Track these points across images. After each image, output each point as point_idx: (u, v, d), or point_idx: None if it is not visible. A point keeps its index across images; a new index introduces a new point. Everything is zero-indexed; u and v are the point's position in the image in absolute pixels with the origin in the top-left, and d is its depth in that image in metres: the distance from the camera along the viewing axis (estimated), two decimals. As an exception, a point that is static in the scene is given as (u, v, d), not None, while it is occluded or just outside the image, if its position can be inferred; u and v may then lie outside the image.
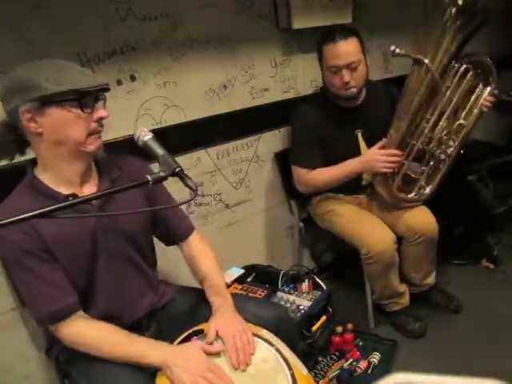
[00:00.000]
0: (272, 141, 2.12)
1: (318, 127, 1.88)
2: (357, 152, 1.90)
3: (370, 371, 1.77)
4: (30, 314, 1.11)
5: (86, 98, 1.03)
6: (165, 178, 0.99)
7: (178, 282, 1.47)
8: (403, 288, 1.97)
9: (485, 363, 1.70)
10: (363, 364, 1.78)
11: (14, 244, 1.04)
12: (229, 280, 1.92)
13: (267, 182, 2.21)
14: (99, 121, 1.08)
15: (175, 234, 1.35)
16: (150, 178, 0.96)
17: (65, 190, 1.10)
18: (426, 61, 1.60)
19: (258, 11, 1.96)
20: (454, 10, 1.53)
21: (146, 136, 1.06)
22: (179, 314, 1.32)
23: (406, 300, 1.99)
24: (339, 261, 2.54)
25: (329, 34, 1.78)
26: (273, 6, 2.00)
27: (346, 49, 1.74)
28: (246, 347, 1.11)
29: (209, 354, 1.10)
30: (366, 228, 1.83)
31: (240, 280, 1.95)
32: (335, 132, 1.89)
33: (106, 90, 1.09)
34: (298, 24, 1.99)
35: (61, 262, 1.09)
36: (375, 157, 1.77)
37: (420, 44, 1.66)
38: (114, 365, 1.07)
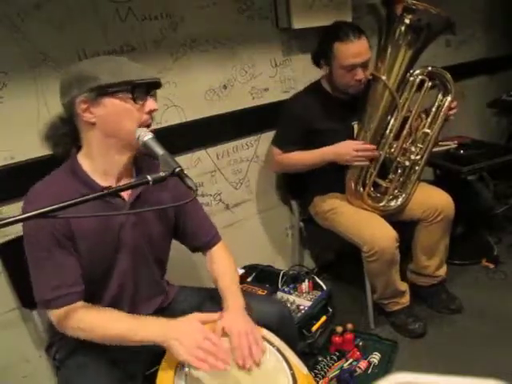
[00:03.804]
0: (272, 141, 2.12)
1: (309, 118, 1.90)
2: None
3: (370, 371, 1.77)
4: (34, 294, 1.11)
5: (138, 90, 1.07)
6: (165, 178, 0.99)
7: (180, 283, 1.47)
8: (404, 287, 1.98)
9: (485, 363, 1.70)
10: (363, 364, 1.78)
11: (40, 224, 1.05)
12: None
13: (267, 181, 2.21)
14: (150, 113, 1.11)
15: (198, 243, 1.36)
16: (150, 178, 0.97)
17: (102, 181, 1.13)
18: (383, 77, 1.73)
19: (258, 11, 1.96)
20: (403, 28, 1.67)
21: (145, 136, 1.06)
22: (180, 315, 1.32)
23: (406, 300, 1.99)
24: (339, 261, 2.54)
25: (341, 31, 1.78)
26: (273, 6, 2.00)
27: (362, 48, 1.77)
28: (252, 346, 1.11)
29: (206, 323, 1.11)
30: (367, 225, 1.84)
31: (240, 280, 1.94)
32: (332, 123, 1.90)
33: (158, 84, 1.13)
34: (298, 24, 1.99)
35: (81, 250, 1.11)
36: (349, 148, 1.79)
37: (378, 60, 1.77)
38: (100, 378, 1.08)
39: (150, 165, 1.23)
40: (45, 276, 1.09)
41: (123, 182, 1.18)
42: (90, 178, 1.13)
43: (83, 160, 1.14)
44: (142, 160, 1.23)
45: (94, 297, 1.15)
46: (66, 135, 1.13)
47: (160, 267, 1.33)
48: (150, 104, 1.10)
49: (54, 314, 1.10)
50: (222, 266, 1.34)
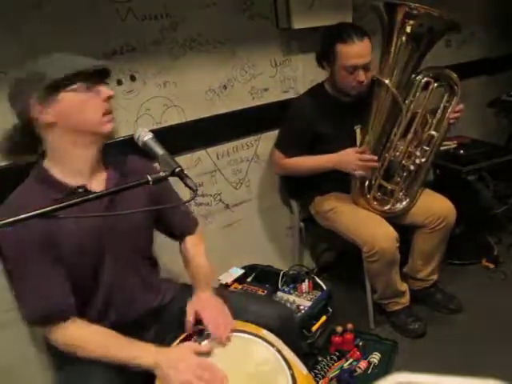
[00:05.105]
0: (272, 141, 2.12)
1: (313, 122, 1.91)
2: (354, 147, 1.89)
3: (370, 371, 1.77)
4: (22, 313, 1.11)
5: (89, 80, 1.06)
6: (165, 178, 0.99)
7: (182, 280, 1.46)
8: (404, 287, 1.98)
9: (485, 363, 1.70)
10: (363, 364, 1.78)
11: (23, 241, 1.03)
12: (229, 280, 1.92)
13: (267, 181, 2.21)
14: (108, 100, 1.10)
15: (175, 231, 1.39)
16: (150, 178, 0.97)
17: (73, 182, 1.11)
18: (387, 81, 1.71)
19: (257, 11, 1.96)
20: (403, 38, 1.66)
21: (146, 136, 1.06)
22: (181, 313, 1.32)
23: (406, 300, 1.99)
24: (339, 261, 2.54)
25: (344, 33, 1.78)
26: (273, 6, 2.00)
27: (365, 49, 1.77)
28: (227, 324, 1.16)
29: (200, 353, 1.10)
30: (368, 225, 1.84)
31: (240, 280, 1.95)
32: (334, 126, 1.90)
33: (107, 71, 1.11)
34: (298, 24, 1.99)
35: (65, 257, 1.09)
36: (351, 157, 1.79)
37: (381, 64, 1.76)
38: (98, 375, 1.08)
39: (118, 161, 1.23)
40: (32, 294, 1.07)
41: (95, 179, 1.16)
42: (58, 181, 1.10)
43: (50, 165, 1.11)
44: (110, 157, 1.21)
45: (83, 302, 1.15)
46: (24, 144, 1.11)
47: (147, 261, 1.32)
48: (106, 91, 1.09)
49: (47, 331, 1.10)
50: (197, 258, 1.37)
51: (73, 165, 1.11)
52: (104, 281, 1.19)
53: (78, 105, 1.05)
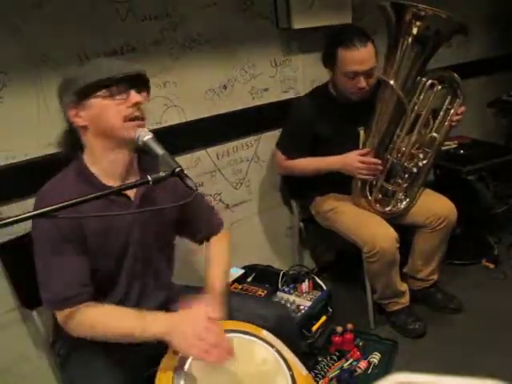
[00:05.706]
0: (272, 141, 2.12)
1: (314, 123, 1.90)
2: (357, 149, 1.89)
3: (370, 371, 1.77)
4: (42, 296, 1.11)
5: (118, 86, 1.08)
6: (165, 178, 0.99)
7: (181, 282, 1.47)
8: (404, 287, 1.98)
9: (485, 363, 1.70)
10: (363, 364, 1.78)
11: (52, 222, 1.05)
12: (229, 280, 1.92)
13: (267, 181, 2.21)
14: (134, 106, 1.10)
15: (200, 235, 1.41)
16: (150, 178, 0.97)
17: (108, 182, 1.15)
18: (392, 82, 1.69)
19: (257, 11, 1.96)
20: (410, 39, 1.63)
21: (145, 136, 1.07)
22: None
23: (406, 300, 1.99)
24: (339, 261, 2.54)
25: (346, 37, 1.75)
26: (273, 6, 2.00)
27: (367, 56, 1.74)
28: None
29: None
30: (368, 226, 1.84)
31: (240, 280, 1.96)
32: (335, 127, 1.89)
33: (140, 76, 1.12)
34: (298, 24, 1.99)
35: (90, 248, 1.12)
36: (354, 161, 1.78)
37: (387, 65, 1.73)
38: (102, 374, 1.09)
39: (153, 166, 1.22)
40: (56, 275, 1.09)
41: (129, 181, 1.18)
42: (96, 179, 1.14)
43: (88, 161, 1.16)
44: (145, 161, 1.24)
45: (101, 294, 1.16)
46: (68, 136, 1.17)
47: (168, 266, 1.35)
48: (133, 97, 1.09)
49: (63, 314, 1.10)
50: (213, 267, 1.35)
51: (106, 166, 1.15)
52: (124, 275, 1.20)
53: (101, 110, 1.08)
